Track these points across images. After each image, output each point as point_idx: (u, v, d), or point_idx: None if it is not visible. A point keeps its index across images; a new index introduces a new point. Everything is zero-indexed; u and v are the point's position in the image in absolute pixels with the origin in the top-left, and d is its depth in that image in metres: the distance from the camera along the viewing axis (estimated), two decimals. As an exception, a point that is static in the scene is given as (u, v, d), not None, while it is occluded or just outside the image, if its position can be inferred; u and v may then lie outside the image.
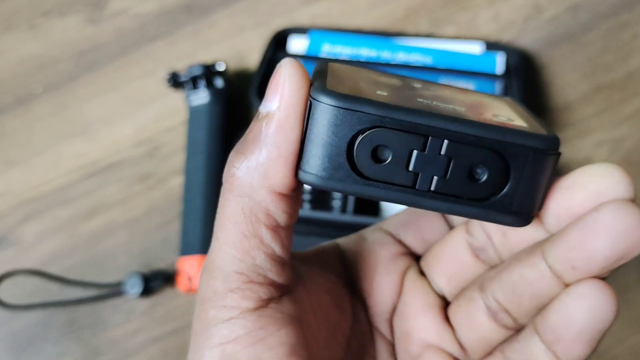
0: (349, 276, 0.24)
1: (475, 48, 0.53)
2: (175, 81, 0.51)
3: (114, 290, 0.48)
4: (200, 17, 0.56)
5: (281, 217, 0.19)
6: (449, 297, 0.24)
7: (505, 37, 0.54)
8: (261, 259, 0.20)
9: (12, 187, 0.52)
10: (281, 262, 0.20)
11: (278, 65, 0.18)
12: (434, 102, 0.19)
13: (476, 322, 0.22)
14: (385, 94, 0.19)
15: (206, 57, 0.54)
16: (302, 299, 0.22)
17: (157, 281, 0.47)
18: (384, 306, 0.24)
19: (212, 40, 0.55)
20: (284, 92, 0.18)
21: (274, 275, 0.20)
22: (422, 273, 0.24)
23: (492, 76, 0.51)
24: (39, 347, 0.48)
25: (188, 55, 0.55)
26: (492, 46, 0.53)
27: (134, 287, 0.47)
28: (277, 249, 0.20)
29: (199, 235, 0.47)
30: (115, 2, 0.57)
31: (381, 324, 0.24)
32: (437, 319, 0.23)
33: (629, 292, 0.46)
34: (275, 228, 0.20)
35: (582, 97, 0.51)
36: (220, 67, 0.51)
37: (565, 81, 0.52)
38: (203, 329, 0.20)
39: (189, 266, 0.47)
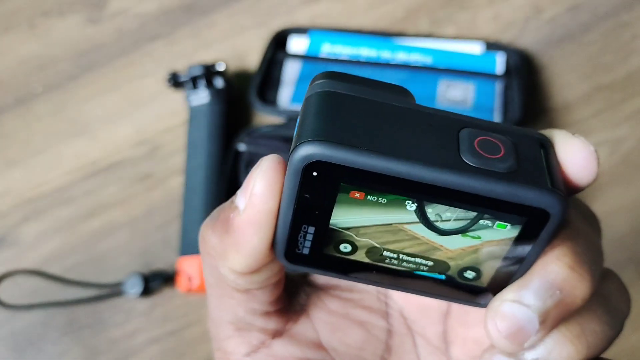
0: (382, 288, 0.24)
1: (475, 48, 0.53)
2: (175, 81, 0.51)
3: (114, 290, 0.48)
4: (200, 17, 0.56)
5: (251, 285, 0.20)
6: None
7: (505, 37, 0.54)
8: (242, 313, 0.21)
9: (12, 187, 0.52)
10: (265, 313, 0.21)
11: (260, 160, 0.18)
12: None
13: None
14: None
15: (206, 57, 0.54)
16: (306, 333, 0.22)
17: (157, 281, 0.47)
18: (431, 312, 0.23)
19: (212, 40, 0.55)
20: (252, 198, 0.18)
21: (260, 323, 0.21)
22: None
23: (492, 76, 0.51)
24: (39, 347, 0.48)
25: (188, 55, 0.55)
26: (492, 46, 0.53)
27: (134, 287, 0.47)
28: (256, 306, 0.21)
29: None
30: (115, 2, 0.57)
31: (428, 329, 0.23)
32: None
33: (628, 291, 0.46)
34: (247, 291, 0.20)
35: (582, 97, 0.51)
36: (220, 67, 0.51)
37: (565, 81, 0.52)
38: None
39: (188, 266, 0.47)
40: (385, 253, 0.19)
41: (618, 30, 0.53)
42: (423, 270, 0.19)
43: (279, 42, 0.54)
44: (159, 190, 0.51)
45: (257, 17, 0.56)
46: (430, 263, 0.19)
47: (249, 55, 0.54)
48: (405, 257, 0.19)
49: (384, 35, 0.54)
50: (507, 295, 0.18)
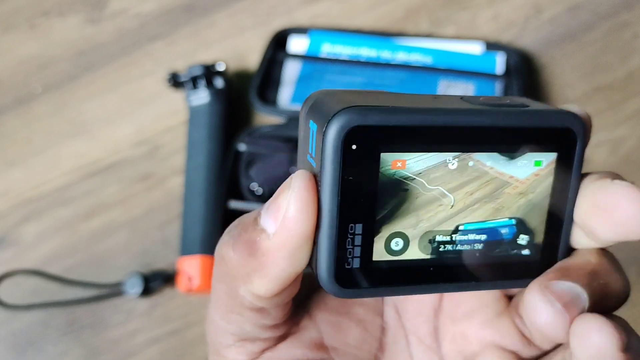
0: None
1: (475, 48, 0.53)
2: (175, 81, 0.51)
3: (114, 290, 0.48)
4: (200, 17, 0.56)
5: (268, 305, 0.19)
6: None
7: (505, 37, 0.54)
8: (250, 328, 0.20)
9: (12, 187, 0.52)
10: (273, 327, 0.21)
11: (290, 177, 0.17)
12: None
13: None
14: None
15: (206, 57, 0.54)
16: (310, 334, 0.22)
17: (157, 281, 0.47)
18: (424, 309, 0.23)
19: (212, 40, 0.55)
20: (284, 221, 0.17)
21: (267, 335, 0.21)
22: None
23: (492, 76, 0.51)
24: (39, 347, 0.48)
25: (188, 55, 0.55)
26: (492, 46, 0.53)
27: (134, 287, 0.47)
28: (267, 322, 0.20)
29: (199, 235, 0.47)
30: (115, 2, 0.57)
31: (420, 327, 0.23)
32: (494, 314, 0.22)
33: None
34: (261, 310, 0.19)
35: (582, 97, 0.51)
36: (220, 67, 0.51)
37: (565, 81, 0.52)
38: None
39: (188, 266, 0.46)
40: (438, 238, 0.18)
41: (618, 29, 0.53)
42: (479, 243, 0.19)
43: (279, 42, 0.54)
44: (159, 190, 0.51)
45: (257, 17, 0.56)
46: (490, 224, 0.18)
47: (249, 55, 0.54)
48: (460, 238, 0.18)
49: (384, 35, 0.54)
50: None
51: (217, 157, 0.49)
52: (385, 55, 0.53)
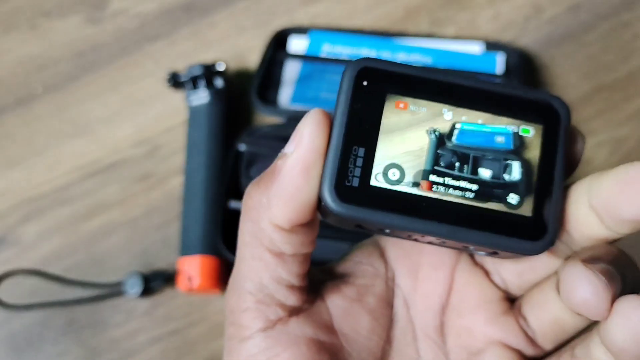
0: (392, 273, 0.24)
1: (475, 48, 0.53)
2: (175, 81, 0.51)
3: (114, 290, 0.48)
4: (200, 17, 0.56)
5: (285, 247, 0.20)
6: (514, 289, 0.23)
7: (505, 37, 0.54)
8: (267, 280, 0.21)
9: (13, 187, 0.52)
10: (289, 286, 0.21)
11: (307, 113, 0.20)
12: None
13: (551, 307, 0.21)
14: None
15: (206, 57, 0.54)
16: (321, 315, 0.22)
17: (157, 281, 0.47)
18: (432, 303, 0.24)
19: (212, 40, 0.55)
20: (301, 139, 0.19)
21: (281, 297, 0.21)
22: (475, 264, 0.24)
23: (492, 76, 0.51)
24: (39, 347, 0.48)
25: (188, 55, 0.55)
26: (492, 46, 0.53)
27: (134, 287, 0.47)
28: (283, 274, 0.21)
29: (199, 235, 0.47)
30: (115, 2, 0.57)
31: (428, 321, 0.24)
32: (499, 312, 0.23)
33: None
34: (280, 255, 0.21)
35: (582, 97, 0.51)
36: (220, 67, 0.51)
37: (566, 81, 0.52)
38: (227, 345, 0.22)
39: (189, 266, 0.46)
40: (431, 177, 0.20)
41: (619, 29, 0.53)
42: (473, 190, 0.20)
43: (279, 42, 0.54)
44: (159, 190, 0.51)
45: (257, 17, 0.56)
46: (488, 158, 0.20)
47: (249, 55, 0.54)
48: (452, 182, 0.20)
49: (384, 35, 0.54)
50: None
51: (217, 157, 0.49)
52: (385, 55, 0.53)
